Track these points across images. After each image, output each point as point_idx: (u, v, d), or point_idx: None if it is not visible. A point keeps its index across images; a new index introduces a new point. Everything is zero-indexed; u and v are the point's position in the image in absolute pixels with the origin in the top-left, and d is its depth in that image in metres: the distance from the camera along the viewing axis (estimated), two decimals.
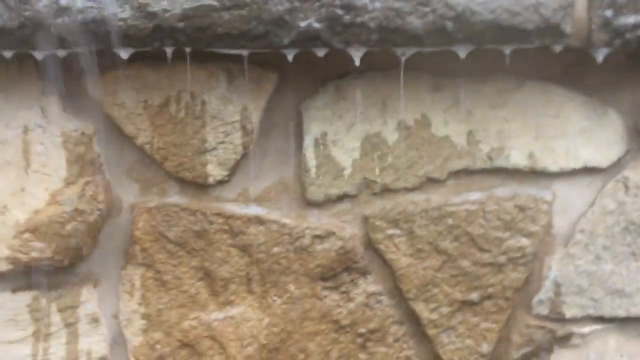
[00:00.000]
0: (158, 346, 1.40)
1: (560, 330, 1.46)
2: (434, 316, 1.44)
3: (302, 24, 1.24)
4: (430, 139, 1.43)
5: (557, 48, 1.30)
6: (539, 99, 1.43)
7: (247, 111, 1.37)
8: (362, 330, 1.43)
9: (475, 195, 1.44)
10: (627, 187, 1.44)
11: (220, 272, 1.40)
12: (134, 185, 1.42)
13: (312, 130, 1.41)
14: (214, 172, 1.39)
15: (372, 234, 1.43)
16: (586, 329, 1.47)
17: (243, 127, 1.38)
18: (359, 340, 1.44)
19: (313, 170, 1.42)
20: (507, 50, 1.30)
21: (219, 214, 1.40)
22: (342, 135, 1.42)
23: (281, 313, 1.41)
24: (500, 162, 1.43)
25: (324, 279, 1.42)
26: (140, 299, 1.40)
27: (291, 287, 1.40)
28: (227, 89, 1.36)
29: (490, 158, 1.43)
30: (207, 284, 1.40)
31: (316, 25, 1.24)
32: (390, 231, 1.43)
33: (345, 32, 1.25)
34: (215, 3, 1.21)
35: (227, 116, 1.37)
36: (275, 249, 1.40)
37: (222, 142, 1.38)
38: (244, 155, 1.41)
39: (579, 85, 1.43)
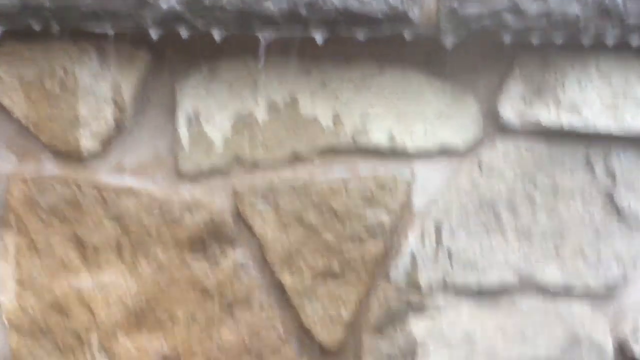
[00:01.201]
0: (31, 310, 1.47)
1: (416, 299, 1.56)
2: (298, 285, 1.54)
3: (164, 5, 1.31)
4: (298, 119, 1.51)
5: (407, 35, 1.39)
6: (400, 84, 1.52)
7: (120, 87, 1.44)
8: (230, 297, 1.52)
9: (339, 173, 1.53)
10: (481, 168, 1.55)
11: (92, 240, 1.47)
12: (11, 156, 1.48)
13: (186, 108, 1.49)
14: (88, 145, 1.46)
15: (241, 207, 1.52)
16: (440, 299, 1.57)
17: (115, 103, 1.45)
18: (226, 307, 1.52)
19: (186, 146, 1.50)
20: (361, 36, 1.39)
21: (92, 185, 1.47)
22: (215, 113, 1.50)
23: (149, 280, 1.49)
24: (363, 143, 1.53)
25: (193, 248, 1.50)
26: (15, 265, 1.47)
27: (160, 256, 1.48)
28: (99, 65, 1.43)
29: (354, 138, 1.53)
30: (79, 251, 1.47)
31: (178, 7, 1.32)
32: (259, 205, 1.52)
33: (207, 15, 1.34)
34: None
35: (99, 92, 1.44)
36: (146, 220, 1.48)
37: (95, 117, 1.45)
38: (119, 130, 1.48)
39: (439, 71, 1.53)
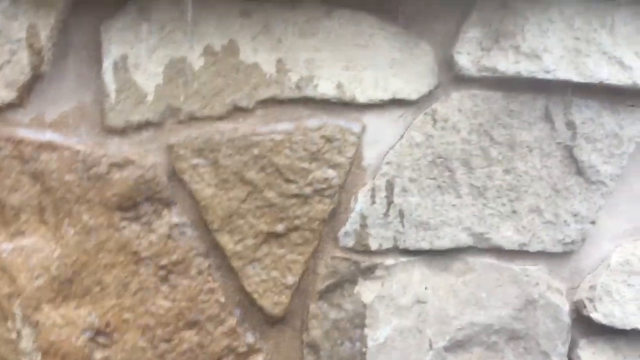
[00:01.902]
0: None
1: (365, 262, 1.47)
2: (239, 248, 1.42)
3: None
4: (238, 66, 1.39)
5: None
6: (349, 28, 1.40)
7: (35, 29, 1.29)
8: (164, 262, 1.40)
9: (283, 126, 1.41)
10: (435, 120, 1.45)
11: (10, 201, 1.33)
12: None
13: (112, 53, 1.35)
14: (2, 93, 1.31)
15: (176, 163, 1.39)
16: (390, 261, 1.48)
17: (30, 46, 1.29)
18: (161, 272, 1.40)
19: (113, 95, 1.36)
20: None
21: (8, 139, 1.32)
22: (145, 59, 1.36)
23: (75, 244, 1.35)
24: (308, 92, 1.41)
25: (122, 209, 1.37)
26: None
27: (85, 217, 1.35)
28: (11, 3, 1.27)
29: (298, 87, 1.41)
30: None
31: None
32: (195, 161, 1.39)
33: None
34: None
35: (12, 33, 1.28)
36: (68, 177, 1.34)
37: (8, 62, 1.29)
38: (37, 78, 1.33)
39: (392, 15, 1.41)
